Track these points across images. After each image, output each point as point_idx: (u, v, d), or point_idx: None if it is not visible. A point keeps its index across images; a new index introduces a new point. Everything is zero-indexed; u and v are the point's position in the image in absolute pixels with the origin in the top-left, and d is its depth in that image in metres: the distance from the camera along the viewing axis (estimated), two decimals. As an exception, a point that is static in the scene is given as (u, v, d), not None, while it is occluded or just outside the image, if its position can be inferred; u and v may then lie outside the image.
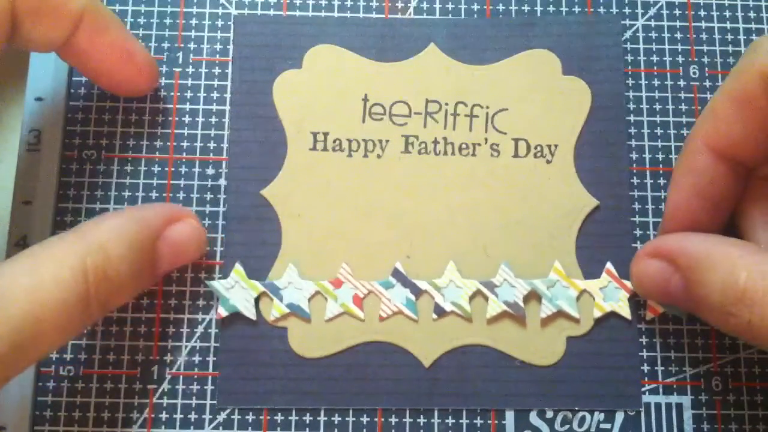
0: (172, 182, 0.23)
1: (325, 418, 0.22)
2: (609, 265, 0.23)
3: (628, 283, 0.22)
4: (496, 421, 0.22)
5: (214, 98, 0.24)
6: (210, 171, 0.24)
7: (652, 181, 0.24)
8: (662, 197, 0.24)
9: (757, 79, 0.19)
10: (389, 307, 0.22)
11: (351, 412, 0.22)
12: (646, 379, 0.22)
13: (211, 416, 0.22)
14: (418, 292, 0.22)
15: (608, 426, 0.22)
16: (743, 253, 0.18)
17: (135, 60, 0.22)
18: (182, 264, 0.22)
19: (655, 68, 0.25)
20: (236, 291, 0.22)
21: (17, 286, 0.17)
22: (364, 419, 0.22)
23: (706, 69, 0.25)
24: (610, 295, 0.22)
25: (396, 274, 0.22)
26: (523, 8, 0.25)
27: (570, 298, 0.22)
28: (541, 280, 0.22)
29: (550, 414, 0.22)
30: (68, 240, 0.18)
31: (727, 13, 0.25)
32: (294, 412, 0.22)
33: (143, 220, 0.20)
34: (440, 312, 0.22)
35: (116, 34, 0.21)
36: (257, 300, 0.22)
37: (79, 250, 0.18)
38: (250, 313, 0.22)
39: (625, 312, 0.22)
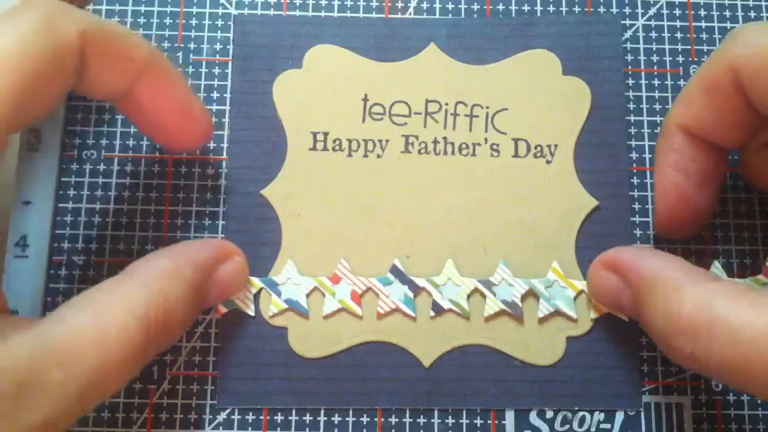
0: (172, 182, 0.24)
1: (325, 418, 0.22)
2: None
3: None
4: (496, 421, 0.22)
5: (214, 98, 0.24)
6: (210, 171, 0.24)
7: (652, 181, 0.24)
8: (662, 197, 0.24)
9: (726, 69, 0.19)
10: (387, 303, 0.22)
11: (351, 412, 0.22)
12: (646, 379, 0.22)
13: (211, 416, 0.22)
14: (416, 289, 0.22)
15: (608, 426, 0.22)
16: (690, 280, 0.18)
17: (194, 117, 0.21)
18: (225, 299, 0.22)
19: (655, 68, 0.25)
20: None
21: (85, 339, 0.17)
22: (364, 419, 0.22)
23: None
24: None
25: (394, 270, 0.22)
26: (523, 8, 0.25)
27: (568, 299, 0.22)
28: (539, 279, 0.22)
29: (550, 414, 0.22)
30: (129, 287, 0.18)
31: (727, 13, 0.25)
32: (294, 412, 0.22)
33: (197, 262, 0.20)
34: (438, 310, 0.22)
35: (178, 89, 0.21)
36: (256, 297, 0.22)
37: (143, 299, 0.18)
38: (249, 309, 0.22)
39: (624, 315, 0.22)
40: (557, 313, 0.22)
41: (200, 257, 0.20)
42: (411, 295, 0.22)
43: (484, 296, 0.22)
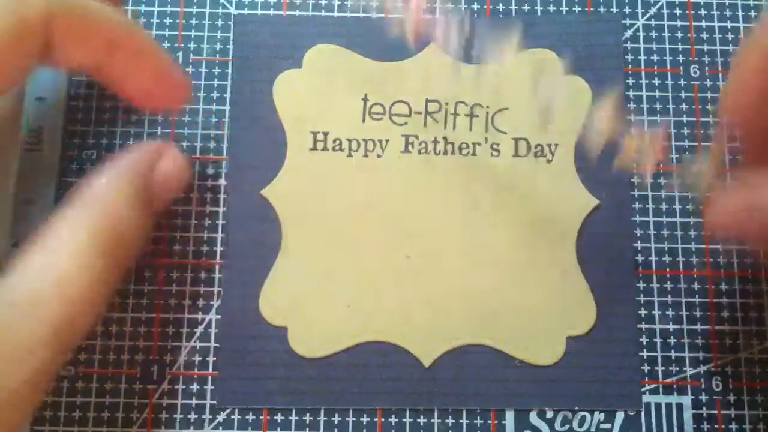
0: (172, 182, 0.23)
1: (325, 418, 0.22)
2: (665, 125, 0.21)
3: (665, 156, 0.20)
4: (496, 421, 0.22)
5: (214, 98, 0.24)
6: (210, 171, 0.24)
7: (652, 180, 0.24)
8: (662, 197, 0.24)
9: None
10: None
11: (351, 412, 0.22)
12: (646, 379, 0.22)
13: (211, 416, 0.22)
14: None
15: (608, 426, 0.22)
16: None
17: (170, 84, 0.21)
18: (172, 197, 0.22)
19: (656, 68, 0.25)
20: None
21: (45, 283, 0.17)
22: (364, 419, 0.22)
23: (707, 69, 0.25)
24: (644, 153, 0.20)
25: None
26: (523, 8, 0.25)
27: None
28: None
29: (550, 414, 0.22)
30: (74, 216, 0.18)
31: (728, 13, 0.25)
32: (294, 412, 0.22)
33: (132, 169, 0.20)
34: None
35: (151, 61, 0.21)
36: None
37: (90, 224, 0.18)
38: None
39: (648, 176, 0.21)
40: (558, 311, 0.22)
41: (134, 163, 0.20)
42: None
43: None
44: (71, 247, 0.17)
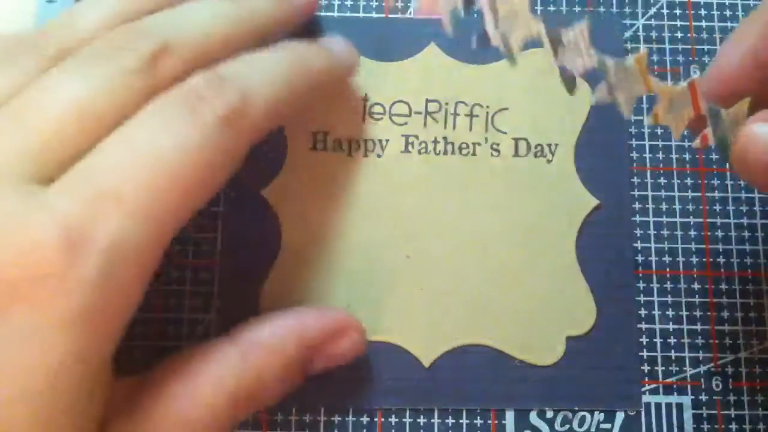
0: (172, 182, 0.23)
1: (325, 418, 0.22)
2: (696, 78, 0.18)
3: (702, 105, 0.18)
4: (496, 421, 0.22)
5: (214, 98, 0.24)
6: (210, 171, 0.24)
7: (652, 180, 0.24)
8: (662, 197, 0.24)
9: None
10: (433, 7, 0.19)
11: (351, 412, 0.22)
12: (646, 379, 0.22)
13: (211, 416, 0.22)
14: (470, 4, 0.19)
15: (608, 426, 0.22)
16: None
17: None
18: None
19: (656, 68, 0.25)
20: None
21: (177, 417, 0.17)
22: (364, 419, 0.22)
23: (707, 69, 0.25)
24: (676, 108, 0.18)
25: None
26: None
27: (633, 96, 0.18)
28: (615, 60, 0.18)
29: (550, 414, 0.22)
30: (225, 357, 0.18)
31: (728, 13, 0.25)
32: (294, 412, 0.22)
33: (304, 338, 0.19)
34: (483, 43, 0.19)
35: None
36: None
37: (234, 375, 0.18)
38: None
39: (678, 131, 0.19)
40: (559, 311, 0.22)
41: (309, 332, 0.19)
42: (461, 9, 0.19)
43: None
44: (210, 392, 0.17)
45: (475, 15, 0.19)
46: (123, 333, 0.17)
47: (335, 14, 0.25)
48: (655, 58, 0.25)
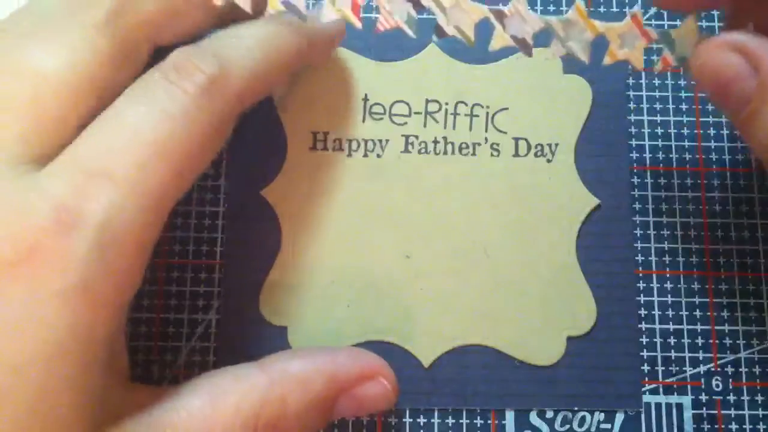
0: (172, 182, 0.23)
1: (325, 418, 0.22)
2: (636, 9, 0.19)
3: (651, 32, 0.20)
4: (496, 421, 0.22)
5: (214, 98, 0.24)
6: (210, 171, 0.24)
7: (652, 180, 0.24)
8: (662, 197, 0.24)
9: None
10: (388, 21, 0.20)
11: (351, 412, 0.22)
12: (646, 379, 0.22)
13: (211, 416, 0.22)
14: (420, 7, 0.20)
15: (608, 426, 0.22)
16: None
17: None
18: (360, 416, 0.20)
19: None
20: None
21: (186, 430, 0.17)
22: (364, 419, 0.22)
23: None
24: (628, 42, 0.20)
25: None
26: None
27: (585, 42, 0.20)
28: (557, 17, 0.19)
29: (550, 414, 0.22)
30: (251, 383, 0.18)
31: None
32: None
33: (334, 375, 0.19)
34: (441, 34, 0.20)
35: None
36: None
37: (258, 399, 0.18)
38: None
39: (639, 62, 0.20)
40: (559, 305, 0.22)
41: (340, 370, 0.19)
42: (414, 13, 0.20)
43: (493, 27, 0.20)
44: (229, 415, 0.17)
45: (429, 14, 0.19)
46: (123, 316, 0.17)
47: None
48: (655, 58, 0.25)
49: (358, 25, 0.20)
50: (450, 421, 0.22)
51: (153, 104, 0.16)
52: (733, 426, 0.22)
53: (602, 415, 0.22)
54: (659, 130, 0.24)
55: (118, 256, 0.16)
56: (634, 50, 0.20)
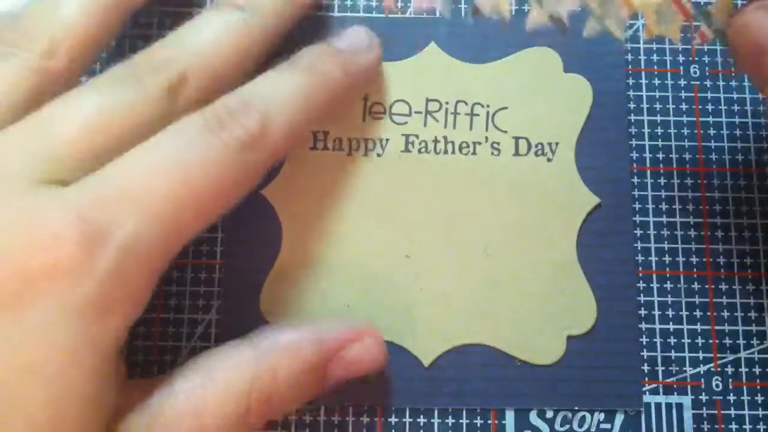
0: (171, 181, 0.23)
1: (325, 418, 0.22)
2: None
3: (687, 7, 0.20)
4: (496, 421, 0.22)
5: (214, 97, 0.24)
6: (210, 170, 0.24)
7: (652, 180, 0.24)
8: (662, 197, 0.24)
9: None
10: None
11: (351, 411, 0.22)
12: (646, 379, 0.22)
13: (210, 416, 0.22)
14: None
15: (608, 426, 0.22)
16: None
17: None
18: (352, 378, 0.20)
19: (656, 68, 0.25)
20: None
21: (185, 410, 0.17)
22: (364, 419, 0.22)
23: (707, 69, 0.25)
24: (665, 19, 0.20)
25: None
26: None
27: (621, 19, 0.20)
28: None
29: (550, 414, 0.22)
30: (241, 358, 0.18)
31: (728, 13, 0.25)
32: (294, 412, 0.22)
33: (320, 341, 0.19)
34: (478, 13, 0.20)
35: None
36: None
37: (249, 374, 0.18)
38: None
39: (676, 37, 0.20)
40: (560, 307, 0.22)
41: (327, 335, 0.19)
42: None
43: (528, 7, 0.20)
44: (221, 390, 0.17)
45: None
46: (130, 328, 0.17)
47: (335, 14, 0.25)
48: (655, 57, 0.25)
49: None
50: (450, 420, 0.22)
51: (192, 148, 0.17)
52: (733, 426, 0.22)
53: (602, 415, 0.22)
54: (659, 130, 0.24)
55: (134, 278, 0.16)
56: (671, 26, 0.20)
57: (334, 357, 0.19)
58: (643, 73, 0.25)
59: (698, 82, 0.24)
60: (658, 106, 0.24)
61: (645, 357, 0.23)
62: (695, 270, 0.23)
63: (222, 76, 0.19)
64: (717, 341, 0.23)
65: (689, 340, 0.23)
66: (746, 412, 0.22)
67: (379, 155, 0.24)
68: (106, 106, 0.17)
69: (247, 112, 0.18)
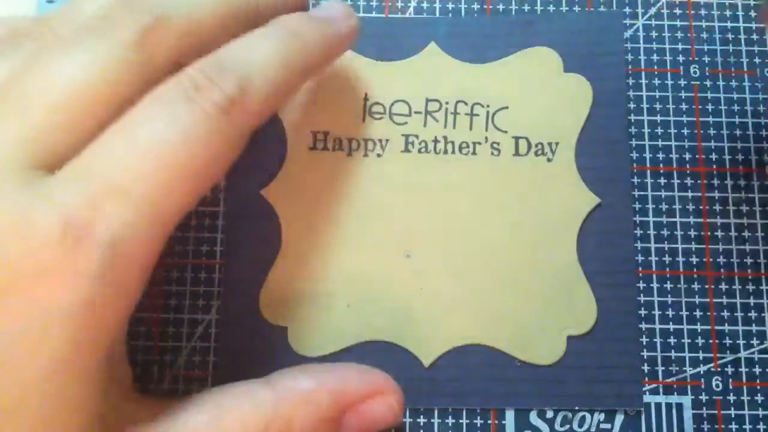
0: (171, 182, 0.23)
1: (325, 418, 0.22)
2: None
3: None
4: (496, 421, 0.22)
5: (214, 97, 0.24)
6: (210, 170, 0.24)
7: (652, 180, 0.24)
8: (662, 197, 0.24)
9: None
10: None
11: (351, 412, 0.22)
12: (646, 379, 0.22)
13: (210, 416, 0.22)
14: None
15: (608, 426, 0.22)
16: None
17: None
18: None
19: (656, 68, 0.25)
20: None
21: None
22: (364, 419, 0.22)
23: (707, 69, 0.25)
24: None
25: None
26: (523, 7, 0.25)
27: None
28: None
29: (550, 414, 0.22)
30: (257, 400, 0.18)
31: (728, 13, 0.25)
32: None
33: (339, 393, 0.19)
34: None
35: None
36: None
37: (264, 416, 0.17)
38: None
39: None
40: (560, 309, 0.22)
41: (347, 388, 0.19)
42: None
43: None
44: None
45: None
46: (124, 328, 0.17)
47: (335, 14, 0.25)
48: (655, 57, 0.25)
49: None
50: (450, 420, 0.22)
51: (172, 122, 0.16)
52: (733, 426, 0.22)
53: (602, 415, 0.22)
54: (659, 130, 0.24)
55: (123, 276, 0.16)
56: None
57: (352, 407, 0.19)
58: (643, 73, 0.25)
59: (698, 82, 0.24)
60: (658, 106, 0.24)
61: (645, 357, 0.23)
62: (695, 270, 0.23)
63: (200, 27, 0.18)
64: (717, 341, 0.23)
65: (689, 340, 0.23)
66: (746, 412, 0.22)
67: (379, 155, 0.24)
68: (80, 71, 0.16)
69: (223, 75, 0.17)
